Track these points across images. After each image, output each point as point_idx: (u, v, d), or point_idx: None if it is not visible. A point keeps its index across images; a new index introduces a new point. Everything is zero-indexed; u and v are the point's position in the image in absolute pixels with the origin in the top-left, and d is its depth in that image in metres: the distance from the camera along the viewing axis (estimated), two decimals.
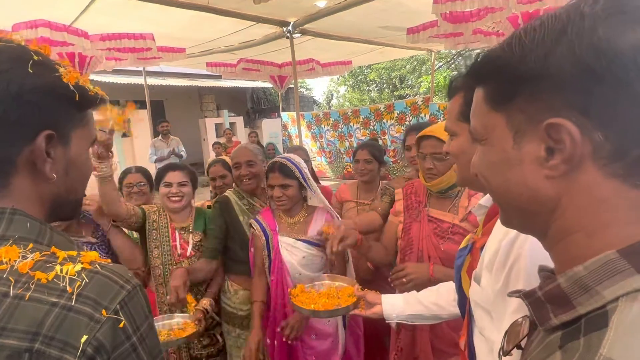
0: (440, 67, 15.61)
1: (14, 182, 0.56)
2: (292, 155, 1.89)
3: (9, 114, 0.53)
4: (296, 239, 1.81)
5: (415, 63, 16.69)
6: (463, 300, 0.93)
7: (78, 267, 0.52)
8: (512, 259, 0.69)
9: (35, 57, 0.56)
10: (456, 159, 0.92)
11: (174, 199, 1.92)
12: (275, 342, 1.80)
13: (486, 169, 0.49)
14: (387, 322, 1.23)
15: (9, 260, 0.51)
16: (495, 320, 0.74)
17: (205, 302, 1.86)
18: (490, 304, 0.76)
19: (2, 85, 0.53)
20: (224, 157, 3.46)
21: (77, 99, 0.59)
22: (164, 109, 12.46)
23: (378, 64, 16.10)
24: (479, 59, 0.48)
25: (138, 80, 8.83)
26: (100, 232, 1.84)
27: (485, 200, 0.86)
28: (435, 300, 1.18)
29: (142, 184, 2.24)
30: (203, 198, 4.43)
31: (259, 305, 1.79)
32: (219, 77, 11.09)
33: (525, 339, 0.49)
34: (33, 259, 0.51)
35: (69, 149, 0.60)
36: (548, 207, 0.43)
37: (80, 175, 0.64)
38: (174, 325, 1.69)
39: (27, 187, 0.57)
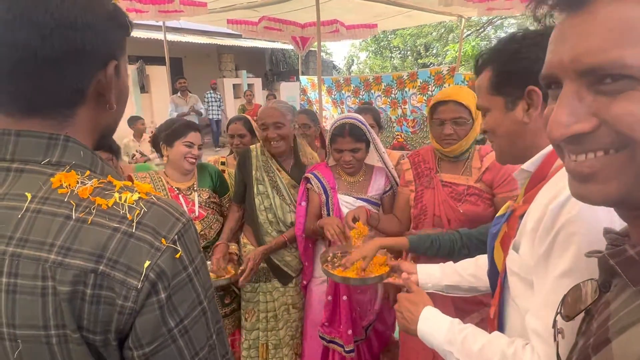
0: (468, 35, 14.90)
1: (78, 112, 0.56)
2: (356, 115, 1.84)
3: (85, 45, 0.52)
4: (356, 198, 1.83)
5: (443, 30, 15.97)
6: (494, 269, 0.92)
7: (135, 196, 0.53)
8: (561, 222, 0.67)
9: None
10: (493, 135, 0.90)
11: (191, 160, 1.87)
12: (329, 297, 1.85)
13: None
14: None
15: (69, 185, 0.51)
16: (535, 286, 0.72)
17: (234, 247, 1.91)
18: (528, 271, 0.75)
19: (76, 12, 0.51)
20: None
21: (130, 28, 0.59)
22: (183, 67, 12.35)
23: (403, 29, 15.44)
24: None
25: (157, 35, 8.70)
26: None
27: (529, 164, 0.82)
28: (474, 272, 1.16)
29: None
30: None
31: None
32: (238, 36, 10.84)
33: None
34: (92, 185, 0.52)
35: (120, 78, 0.60)
36: None
37: (124, 105, 0.65)
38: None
39: (88, 118, 0.57)
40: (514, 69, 0.82)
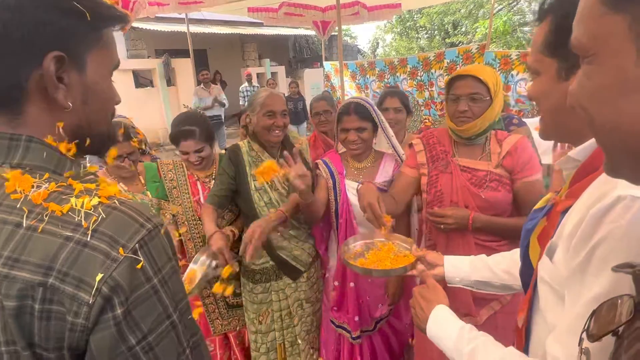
0: (499, 10, 14.10)
1: (27, 110, 0.52)
2: (363, 97, 1.80)
3: (11, 31, 0.48)
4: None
5: (472, 6, 15.24)
6: (527, 270, 0.80)
7: (95, 201, 0.49)
8: (602, 232, 0.53)
9: None
10: (538, 104, 0.75)
11: (196, 163, 1.85)
12: (336, 282, 1.83)
13: (590, 98, 0.38)
14: (448, 285, 1.11)
15: (23, 190, 0.48)
16: (566, 303, 0.61)
17: (227, 229, 1.83)
18: (560, 283, 0.63)
19: None
20: None
21: (88, 16, 0.52)
22: (207, 58, 12.46)
23: (429, 7, 14.86)
24: None
25: (181, 27, 8.78)
26: None
27: (577, 152, 0.69)
28: (508, 268, 1.04)
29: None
30: None
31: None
32: (261, 24, 10.78)
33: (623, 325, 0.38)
34: (48, 190, 0.49)
35: (85, 74, 0.55)
36: None
37: (102, 106, 0.59)
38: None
39: (43, 116, 0.52)
40: None
